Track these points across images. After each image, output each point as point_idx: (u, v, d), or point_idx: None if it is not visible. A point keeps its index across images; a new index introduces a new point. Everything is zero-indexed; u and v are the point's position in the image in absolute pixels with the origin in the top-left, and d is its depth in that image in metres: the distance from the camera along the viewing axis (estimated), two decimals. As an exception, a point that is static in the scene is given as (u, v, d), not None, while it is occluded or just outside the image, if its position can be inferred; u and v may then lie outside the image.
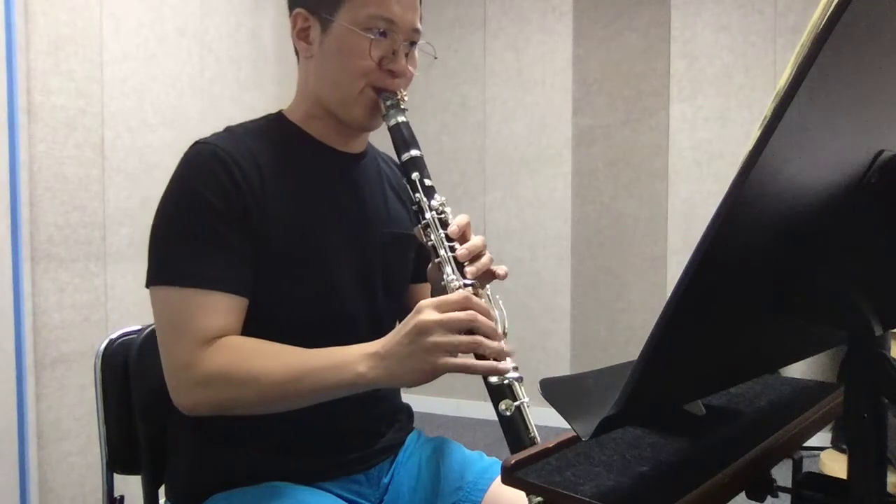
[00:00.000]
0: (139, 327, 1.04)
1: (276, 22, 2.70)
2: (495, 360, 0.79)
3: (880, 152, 0.47)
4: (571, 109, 3.33)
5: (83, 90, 1.91)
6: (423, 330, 0.75)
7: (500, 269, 0.91)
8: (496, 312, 0.84)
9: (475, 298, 0.80)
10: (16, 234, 1.71)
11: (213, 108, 2.38)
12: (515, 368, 0.80)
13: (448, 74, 3.52)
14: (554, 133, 3.36)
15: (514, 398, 0.78)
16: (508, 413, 0.78)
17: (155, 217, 0.87)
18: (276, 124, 0.97)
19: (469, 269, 0.86)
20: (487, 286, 0.89)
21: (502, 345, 0.79)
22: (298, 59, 0.98)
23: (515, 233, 3.43)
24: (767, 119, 0.34)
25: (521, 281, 3.36)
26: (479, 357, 0.79)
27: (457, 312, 0.77)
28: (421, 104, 3.55)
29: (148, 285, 0.85)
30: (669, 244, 3.18)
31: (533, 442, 0.78)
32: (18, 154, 1.71)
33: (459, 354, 0.78)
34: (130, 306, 2.05)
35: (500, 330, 0.81)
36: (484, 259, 0.89)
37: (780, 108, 0.34)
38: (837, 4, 0.33)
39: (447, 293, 0.83)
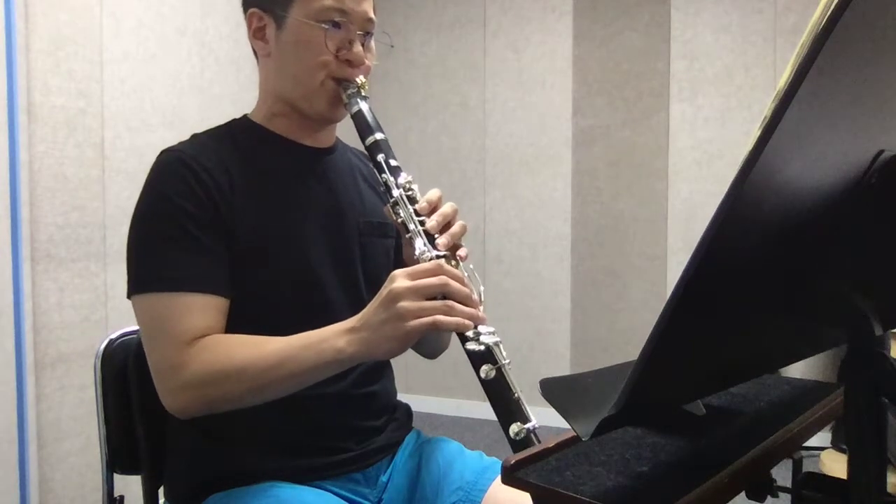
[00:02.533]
0: (139, 327, 1.04)
1: (276, 22, 2.69)
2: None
3: (880, 152, 0.47)
4: (571, 109, 3.33)
5: (83, 90, 1.92)
6: (395, 297, 0.76)
7: (461, 251, 0.90)
8: (469, 281, 0.84)
9: (448, 266, 0.80)
10: (16, 234, 1.71)
11: (213, 108, 2.38)
12: (493, 333, 0.80)
13: (448, 74, 3.52)
14: (554, 133, 3.36)
15: (495, 361, 0.79)
16: (490, 377, 0.78)
17: (130, 228, 0.88)
18: (240, 127, 0.98)
19: (440, 241, 0.86)
20: (461, 262, 0.89)
21: (476, 311, 0.80)
22: (258, 59, 0.99)
23: (515, 233, 3.43)
24: (767, 119, 0.34)
25: (521, 281, 3.36)
26: (459, 334, 0.80)
27: (428, 278, 0.78)
28: (421, 104, 3.55)
29: (129, 295, 0.86)
30: (669, 244, 3.18)
31: (518, 403, 0.78)
32: (18, 154, 1.71)
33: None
34: (130, 306, 2.05)
35: (474, 297, 0.82)
36: (456, 228, 0.89)
37: (780, 108, 0.34)
38: (837, 4, 0.33)
39: None
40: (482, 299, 0.84)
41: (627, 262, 3.27)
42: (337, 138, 1.06)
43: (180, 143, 0.92)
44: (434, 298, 0.78)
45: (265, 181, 0.93)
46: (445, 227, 0.89)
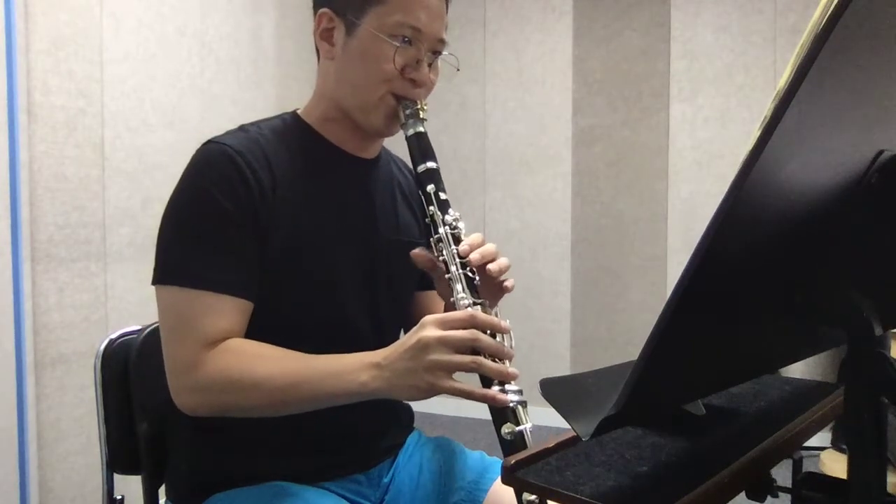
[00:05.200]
0: (139, 327, 1.04)
1: (276, 22, 2.70)
2: (499, 382, 0.77)
3: (880, 152, 0.47)
4: (571, 109, 3.33)
5: (83, 90, 1.91)
6: (424, 347, 0.74)
7: (508, 282, 0.91)
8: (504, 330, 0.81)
9: (482, 315, 0.78)
10: (16, 234, 1.71)
11: (213, 108, 2.38)
12: (519, 392, 0.78)
13: (448, 74, 3.51)
14: (554, 133, 3.36)
15: (517, 422, 0.77)
16: (510, 438, 0.76)
17: (164, 214, 0.86)
18: (291, 125, 0.96)
19: (473, 258, 0.85)
20: (496, 307, 0.88)
21: (504, 368, 0.77)
22: (319, 58, 0.96)
23: (515, 233, 3.43)
24: (767, 119, 0.34)
25: (521, 281, 3.33)
26: (482, 377, 0.78)
27: (458, 331, 0.75)
28: (421, 104, 3.54)
29: (154, 283, 0.85)
30: (669, 244, 3.18)
31: None
32: (18, 154, 1.71)
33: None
34: (130, 306, 2.05)
35: (506, 349, 0.79)
36: (498, 263, 0.88)
37: (780, 108, 0.34)
38: (837, 4, 0.33)
39: (456, 310, 0.82)
40: (512, 347, 0.81)
41: (627, 262, 3.27)
42: (382, 147, 1.04)
43: (228, 135, 0.89)
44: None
45: (307, 187, 0.91)
46: (486, 263, 0.88)
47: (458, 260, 0.86)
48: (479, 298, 0.84)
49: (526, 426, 0.77)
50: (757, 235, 0.42)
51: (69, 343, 1.88)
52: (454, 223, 0.89)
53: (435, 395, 0.75)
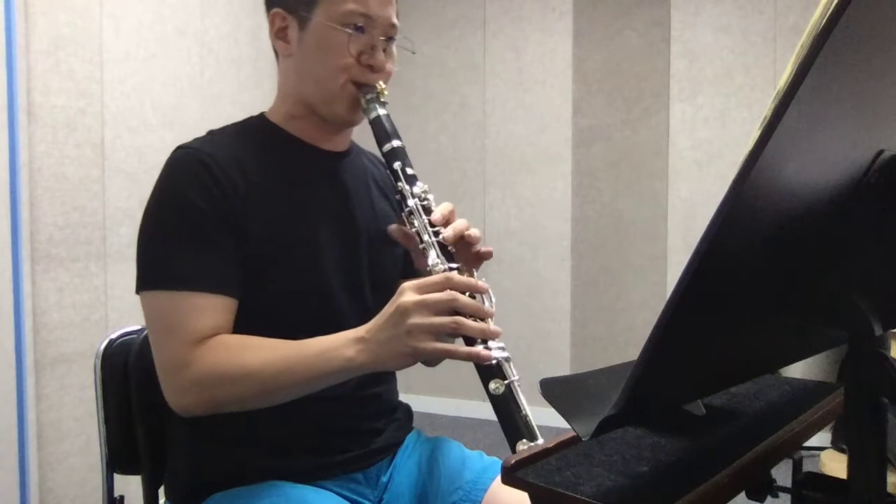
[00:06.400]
0: (139, 327, 1.04)
1: (276, 22, 2.70)
2: (482, 341, 0.79)
3: (880, 152, 0.47)
4: (571, 109, 3.33)
5: (83, 90, 1.92)
6: (403, 312, 0.76)
7: (485, 248, 0.92)
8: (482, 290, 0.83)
9: (458, 277, 0.79)
10: (16, 234, 1.71)
11: (213, 108, 2.38)
12: (503, 349, 0.79)
13: (448, 74, 3.51)
14: (554, 133, 3.36)
15: (504, 377, 0.78)
16: (499, 392, 0.77)
17: (141, 223, 0.88)
18: (258, 126, 0.98)
19: (447, 235, 0.86)
20: (475, 272, 0.89)
21: (486, 325, 0.79)
22: (278, 59, 0.99)
23: (515, 233, 3.43)
24: (767, 119, 0.34)
25: (521, 281, 3.36)
26: (465, 338, 0.79)
27: (436, 293, 0.77)
28: (421, 104, 3.55)
29: (138, 291, 0.86)
30: (669, 244, 3.18)
31: (526, 420, 0.77)
32: (18, 154, 1.71)
33: (449, 337, 0.78)
34: (130, 306, 2.05)
35: (486, 308, 0.81)
36: (472, 232, 0.90)
37: (780, 108, 0.34)
38: (837, 4, 0.33)
39: None
40: (493, 306, 0.82)
41: (627, 262, 3.27)
42: (352, 141, 1.06)
43: (196, 140, 0.91)
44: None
45: (280, 183, 0.92)
46: (459, 238, 0.89)
47: (430, 229, 0.88)
48: (455, 263, 0.86)
49: (514, 379, 0.78)
50: (757, 235, 0.42)
51: (69, 343, 1.88)
52: (423, 195, 0.90)
53: (420, 358, 0.77)
